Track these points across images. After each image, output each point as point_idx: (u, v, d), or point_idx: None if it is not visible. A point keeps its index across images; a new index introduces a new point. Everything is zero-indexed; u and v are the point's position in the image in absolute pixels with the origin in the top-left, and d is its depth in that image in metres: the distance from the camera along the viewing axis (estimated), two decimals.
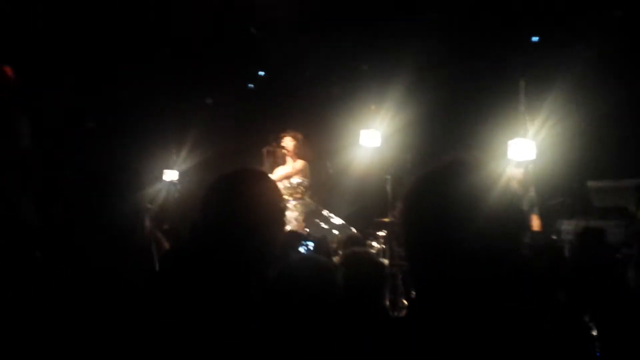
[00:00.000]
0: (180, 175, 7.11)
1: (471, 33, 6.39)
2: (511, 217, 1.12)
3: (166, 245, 3.03)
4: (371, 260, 2.69)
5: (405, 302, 5.13)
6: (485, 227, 1.08)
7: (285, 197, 5.53)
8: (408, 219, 1.19)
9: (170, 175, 6.92)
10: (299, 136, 5.72)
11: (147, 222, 2.27)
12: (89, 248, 1.85)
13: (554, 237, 4.72)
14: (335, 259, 3.98)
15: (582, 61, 5.73)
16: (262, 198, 1.71)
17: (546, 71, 6.00)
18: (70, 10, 5.97)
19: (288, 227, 4.40)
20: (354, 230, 5.51)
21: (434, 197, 1.14)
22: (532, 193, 5.38)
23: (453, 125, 6.47)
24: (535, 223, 5.38)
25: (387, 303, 4.87)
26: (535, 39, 6.57)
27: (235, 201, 1.68)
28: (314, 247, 2.93)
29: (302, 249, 2.84)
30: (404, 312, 4.82)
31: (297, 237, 3.06)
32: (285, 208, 1.81)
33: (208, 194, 1.72)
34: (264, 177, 1.84)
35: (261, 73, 8.06)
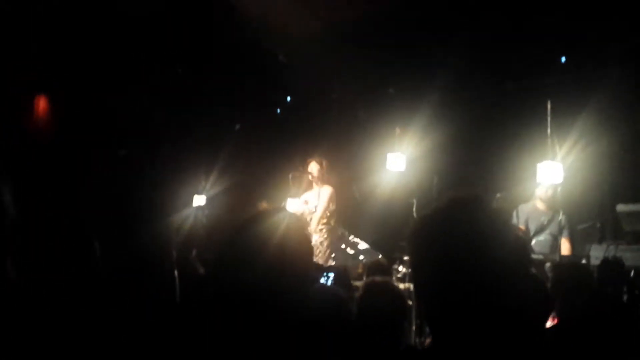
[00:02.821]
0: (208, 200, 7.22)
1: (498, 54, 6.37)
2: (512, 251, 1.14)
3: (201, 270, 3.10)
4: (392, 290, 2.69)
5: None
6: (486, 263, 1.10)
7: (312, 224, 5.56)
8: (413, 256, 1.22)
9: (199, 200, 7.03)
10: (324, 161, 5.77)
11: (174, 251, 2.34)
12: (117, 276, 1.91)
13: (583, 261, 4.62)
14: (359, 284, 3.99)
15: (612, 82, 5.64)
16: (287, 238, 1.72)
17: (575, 92, 5.92)
18: (105, 37, 6.17)
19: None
20: (379, 255, 5.50)
21: (434, 237, 1.16)
22: (561, 216, 5.30)
23: (480, 148, 6.43)
24: (565, 247, 5.28)
25: (414, 329, 4.84)
26: (563, 59, 6.50)
27: (258, 244, 1.69)
28: (334, 277, 2.94)
29: (322, 280, 2.86)
30: (429, 338, 4.77)
31: (318, 269, 3.09)
32: (311, 252, 1.79)
33: (236, 235, 1.74)
34: (286, 216, 1.86)
35: (288, 98, 8.17)
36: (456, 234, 1.14)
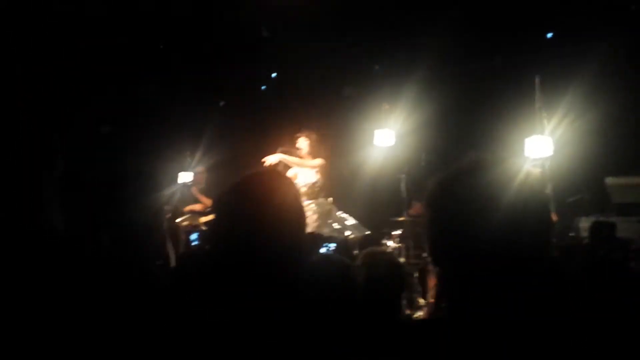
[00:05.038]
0: (195, 176, 7.14)
1: (484, 30, 6.35)
2: (535, 211, 1.11)
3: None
4: (391, 260, 2.66)
5: (421, 300, 5.10)
6: (510, 225, 1.07)
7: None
8: (431, 220, 1.18)
9: (185, 177, 6.95)
10: (313, 136, 5.71)
11: (165, 222, 2.30)
12: (109, 246, 1.87)
13: (572, 234, 4.67)
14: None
15: (598, 57, 5.66)
16: (281, 199, 1.68)
17: (562, 67, 5.94)
18: (84, 15, 6.00)
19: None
20: (367, 231, 5.49)
21: (455, 197, 1.13)
22: (548, 190, 5.33)
23: (468, 123, 6.44)
24: (553, 219, 5.33)
25: (404, 302, 4.87)
26: (549, 35, 6.51)
27: (253, 203, 1.66)
28: (336, 248, 2.91)
29: (323, 250, 2.83)
30: (420, 311, 4.81)
31: (319, 239, 3.05)
32: (303, 209, 1.78)
33: (224, 197, 1.71)
34: (281, 177, 1.82)
35: (274, 75, 8.06)
36: (481, 194, 1.10)
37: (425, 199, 1.21)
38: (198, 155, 7.17)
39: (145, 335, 1.61)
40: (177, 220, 6.05)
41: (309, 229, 5.29)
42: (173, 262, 2.37)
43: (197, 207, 6.71)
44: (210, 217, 5.75)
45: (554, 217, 5.14)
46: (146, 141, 6.90)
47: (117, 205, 1.93)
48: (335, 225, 5.65)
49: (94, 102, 6.28)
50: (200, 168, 6.95)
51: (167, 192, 5.82)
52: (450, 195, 1.14)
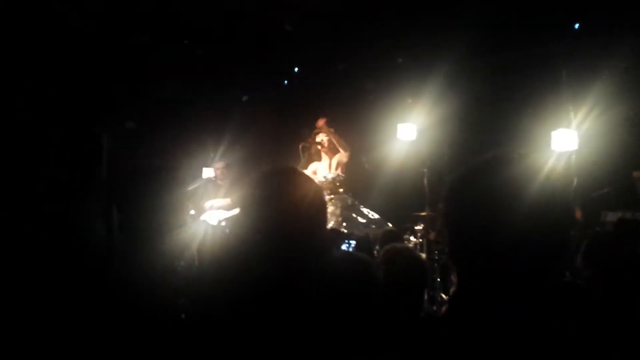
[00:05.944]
0: (215, 172, 7.18)
1: (510, 22, 6.24)
2: (556, 210, 1.09)
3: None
4: (412, 257, 2.66)
5: (443, 296, 5.08)
6: (529, 221, 1.05)
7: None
8: (450, 217, 1.17)
9: (209, 172, 7.01)
10: (332, 130, 5.72)
11: (188, 218, 2.32)
12: (131, 245, 1.90)
13: (598, 228, 4.60)
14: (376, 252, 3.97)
15: (626, 48, 5.53)
16: (297, 195, 1.69)
17: (589, 59, 5.82)
18: (109, 11, 6.06)
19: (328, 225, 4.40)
20: (389, 225, 5.48)
21: (474, 194, 1.11)
22: (574, 184, 5.26)
23: (493, 116, 6.35)
24: (577, 214, 5.26)
25: (425, 297, 4.85)
26: (576, 26, 6.37)
27: (269, 200, 1.66)
28: (356, 245, 2.92)
29: (344, 247, 2.84)
30: (442, 307, 4.79)
31: (340, 236, 3.06)
32: (325, 205, 1.77)
33: (247, 193, 1.71)
34: (298, 174, 1.82)
35: (296, 69, 8.07)
36: (494, 189, 1.09)
37: (443, 196, 1.20)
38: (221, 150, 7.22)
39: (154, 339, 1.63)
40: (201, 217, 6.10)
41: (330, 225, 5.32)
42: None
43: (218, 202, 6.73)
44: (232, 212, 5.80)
45: (577, 212, 5.06)
46: (169, 137, 6.98)
47: (137, 202, 1.95)
48: (357, 220, 5.66)
49: (116, 99, 6.37)
50: (219, 163, 6.88)
51: (190, 188, 5.88)
52: (468, 193, 1.12)
